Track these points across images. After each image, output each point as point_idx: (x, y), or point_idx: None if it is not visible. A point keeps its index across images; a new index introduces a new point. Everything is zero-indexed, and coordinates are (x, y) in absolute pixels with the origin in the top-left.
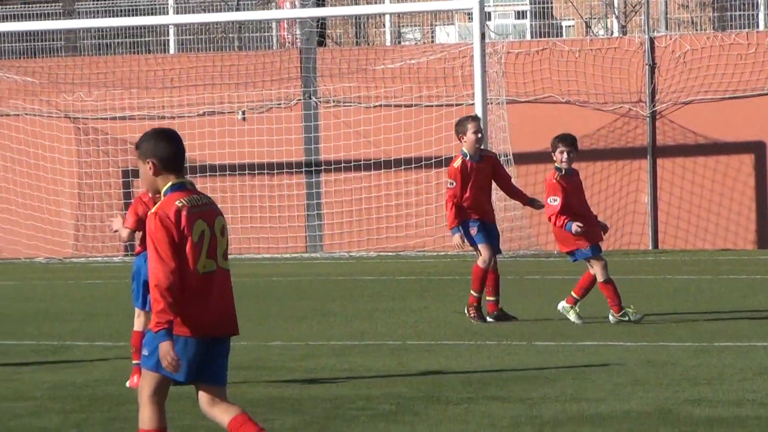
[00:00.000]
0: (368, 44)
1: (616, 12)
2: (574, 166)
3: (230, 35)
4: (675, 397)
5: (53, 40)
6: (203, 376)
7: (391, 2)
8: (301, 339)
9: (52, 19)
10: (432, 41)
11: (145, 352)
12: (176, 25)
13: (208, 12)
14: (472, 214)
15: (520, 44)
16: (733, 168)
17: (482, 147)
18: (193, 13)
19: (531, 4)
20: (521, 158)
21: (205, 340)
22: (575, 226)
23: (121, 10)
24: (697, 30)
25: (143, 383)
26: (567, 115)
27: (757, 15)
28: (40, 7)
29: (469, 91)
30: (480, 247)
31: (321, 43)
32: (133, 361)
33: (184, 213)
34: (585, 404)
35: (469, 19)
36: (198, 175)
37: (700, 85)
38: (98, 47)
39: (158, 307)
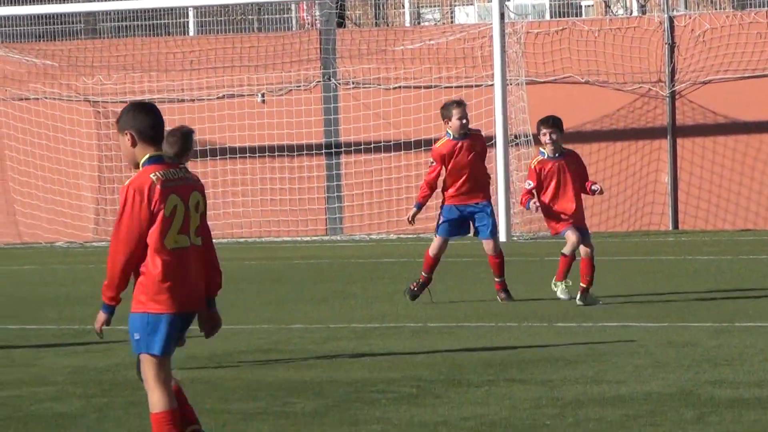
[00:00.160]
0: (387, 25)
1: None
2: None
3: (249, 17)
4: (696, 378)
5: (72, 23)
6: (163, 350)
7: None
8: (322, 322)
9: (72, 2)
10: (451, 21)
11: (136, 337)
12: (196, 7)
13: None
14: (452, 197)
15: (539, 24)
16: (753, 147)
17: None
18: None
19: None
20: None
21: (182, 315)
22: (532, 204)
23: None
24: (716, 9)
25: (144, 368)
26: (586, 96)
27: None
28: None
29: (489, 71)
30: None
31: (340, 25)
32: None
33: (157, 186)
34: (606, 386)
35: None
36: (218, 157)
37: (719, 64)
38: (118, 30)
39: (106, 282)
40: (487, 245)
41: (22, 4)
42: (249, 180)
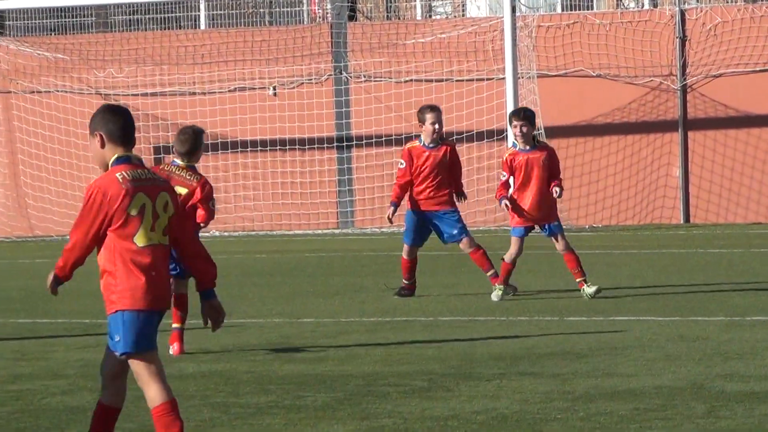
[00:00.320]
0: (399, 18)
1: None
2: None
3: (261, 10)
4: (707, 372)
5: (84, 17)
6: (141, 347)
7: None
8: (333, 315)
9: None
10: (463, 15)
11: (116, 338)
12: (207, 1)
13: None
14: (418, 201)
15: (551, 17)
16: (764, 141)
17: (440, 137)
18: None
19: None
20: (552, 132)
21: (155, 312)
22: (504, 202)
23: None
24: (728, 2)
25: (134, 368)
26: (598, 89)
27: None
28: None
29: (500, 65)
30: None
31: (352, 18)
32: (174, 325)
33: (124, 186)
34: (617, 379)
35: None
36: (229, 151)
37: (731, 58)
38: (129, 23)
39: (59, 264)
40: (464, 245)
41: None
42: (260, 173)
